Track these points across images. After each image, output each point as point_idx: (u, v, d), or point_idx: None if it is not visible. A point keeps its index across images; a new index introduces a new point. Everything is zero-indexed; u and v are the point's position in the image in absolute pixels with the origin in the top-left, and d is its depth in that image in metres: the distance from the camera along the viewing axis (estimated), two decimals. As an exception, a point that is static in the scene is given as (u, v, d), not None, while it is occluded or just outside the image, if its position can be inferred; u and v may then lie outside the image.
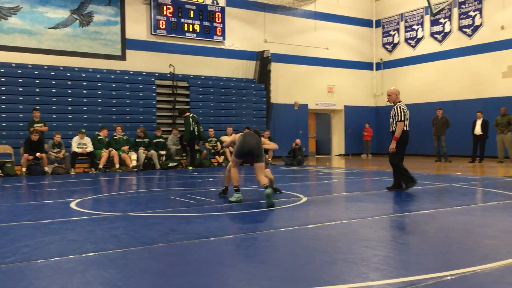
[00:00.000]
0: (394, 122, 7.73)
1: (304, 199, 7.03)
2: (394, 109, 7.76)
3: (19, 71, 14.45)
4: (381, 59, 22.53)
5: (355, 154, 22.02)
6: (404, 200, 6.95)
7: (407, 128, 7.74)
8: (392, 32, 22.09)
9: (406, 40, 21.41)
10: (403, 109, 7.70)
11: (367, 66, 22.66)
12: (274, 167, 14.86)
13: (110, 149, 13.36)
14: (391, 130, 7.88)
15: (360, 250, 3.94)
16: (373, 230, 4.83)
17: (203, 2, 18.04)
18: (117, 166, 13.21)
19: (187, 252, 3.97)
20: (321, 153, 22.69)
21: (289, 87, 20.10)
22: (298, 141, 16.29)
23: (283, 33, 20.11)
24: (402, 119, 7.63)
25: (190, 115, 14.03)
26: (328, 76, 21.37)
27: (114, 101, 15.71)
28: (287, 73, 20.04)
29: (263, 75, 18.98)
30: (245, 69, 19.24)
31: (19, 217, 5.78)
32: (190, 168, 13.98)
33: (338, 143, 22.42)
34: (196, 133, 13.88)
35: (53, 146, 12.91)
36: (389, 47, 22.25)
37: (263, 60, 19.04)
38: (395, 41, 21.92)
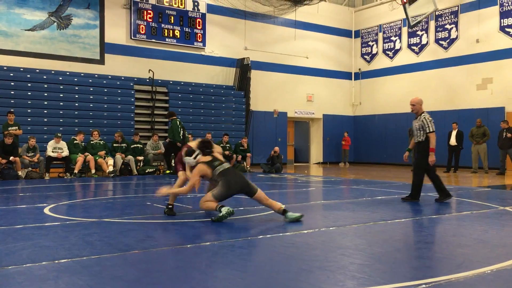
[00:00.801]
0: (421, 133, 7.58)
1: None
2: (422, 120, 7.59)
3: (-6, 73, 14.15)
4: (359, 69, 22.82)
5: (333, 162, 22.19)
6: (380, 208, 7.02)
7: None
8: (370, 43, 22.42)
9: (384, 51, 21.75)
10: (430, 119, 7.58)
11: (346, 75, 22.92)
12: (252, 174, 14.85)
13: (86, 154, 13.17)
14: (417, 141, 7.68)
15: (337, 258, 3.95)
16: (350, 238, 4.86)
17: (184, 8, 18.01)
18: (93, 171, 13.02)
19: (163, 259, 3.92)
20: (299, 161, 22.80)
21: (268, 94, 20.18)
22: (276, 148, 16.35)
23: (264, 41, 20.21)
24: (434, 129, 7.51)
25: (177, 119, 13.98)
26: (308, 84, 21.53)
27: (91, 105, 15.50)
28: (267, 80, 20.12)
29: (243, 82, 19.01)
30: (225, 76, 19.24)
31: (-10, 222, 5.62)
32: (168, 171, 13.94)
33: (316, 151, 22.56)
34: (181, 137, 13.79)
35: (27, 150, 12.66)
36: (367, 57, 22.56)
37: (243, 67, 19.08)
38: (374, 51, 22.24)
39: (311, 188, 10.77)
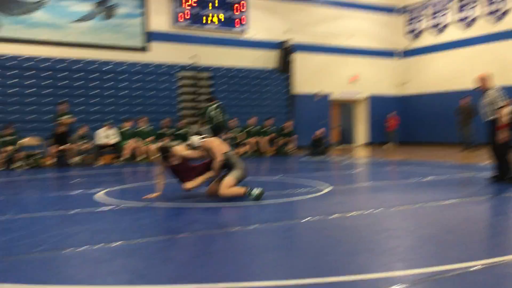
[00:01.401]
0: (491, 109, 7.20)
1: (327, 189, 7.00)
2: (489, 96, 7.24)
3: (46, 65, 14.71)
4: (405, 47, 22.15)
5: (380, 143, 21.79)
6: (430, 190, 6.86)
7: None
8: (416, 19, 21.67)
9: (430, 27, 20.98)
10: (499, 94, 7.19)
11: (391, 54, 22.31)
12: (297, 157, 14.83)
13: (134, 140, 13.53)
14: (488, 119, 7.30)
15: (384, 241, 3.91)
16: (398, 220, 4.79)
17: (224, -8, 17.98)
18: (141, 157, 13.38)
19: (211, 242, 4.00)
20: (345, 143, 22.52)
21: (311, 77, 19.96)
22: (320, 131, 16.19)
23: (306, 22, 19.94)
24: (504, 104, 7.10)
25: (217, 103, 14.08)
26: (352, 65, 21.13)
27: (137, 92, 15.87)
28: (310, 62, 19.89)
29: (285, 65, 18.88)
30: (266, 59, 19.17)
31: (48, 207, 5.92)
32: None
33: (362, 133, 22.21)
34: (221, 121, 13.87)
35: (79, 138, 13.14)
36: (413, 34, 21.84)
37: (285, 50, 18.93)
38: (420, 28, 21.50)
39: (357, 170, 10.64)
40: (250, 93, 17.92)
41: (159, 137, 14.19)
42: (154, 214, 5.32)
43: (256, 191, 5.86)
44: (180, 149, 6.42)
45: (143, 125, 14.07)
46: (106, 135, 13.21)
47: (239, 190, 5.97)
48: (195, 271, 3.17)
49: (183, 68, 17.13)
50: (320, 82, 20.26)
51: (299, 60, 19.23)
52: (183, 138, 14.56)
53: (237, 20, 18.29)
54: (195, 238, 4.12)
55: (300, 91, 19.49)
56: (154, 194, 6.25)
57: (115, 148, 13.32)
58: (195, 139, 6.26)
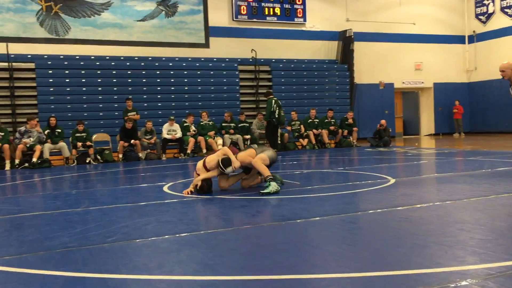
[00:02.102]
0: None
1: (392, 180, 6.82)
2: None
3: (113, 63, 15.37)
4: (474, 32, 21.06)
5: (446, 133, 20.93)
6: (502, 181, 6.50)
7: None
8: (486, 2, 20.52)
9: (502, 9, 19.79)
10: None
11: (458, 39, 21.30)
12: (360, 149, 14.55)
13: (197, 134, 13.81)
14: None
15: (454, 233, 3.75)
16: (469, 212, 4.58)
17: (283, -16, 17.92)
18: (204, 151, 13.67)
19: (274, 234, 4.02)
20: (409, 133, 21.83)
21: (373, 66, 19.49)
22: (383, 121, 15.79)
23: (366, 11, 19.46)
24: None
25: (273, 98, 14.13)
26: (415, 52, 20.40)
27: (199, 88, 16.21)
28: (371, 51, 19.41)
29: (346, 55, 18.56)
30: (327, 50, 18.92)
31: (118, 199, 6.19)
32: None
33: (427, 122, 21.43)
34: (277, 116, 13.87)
35: (145, 133, 13.62)
36: (482, 17, 20.71)
37: (346, 40, 18.60)
38: (490, 11, 20.35)
39: (422, 161, 10.28)
40: (310, 85, 17.79)
41: (220, 130, 14.43)
42: (218, 206, 5.42)
43: (274, 188, 5.95)
44: (212, 173, 6.41)
45: (205, 119, 14.35)
46: (170, 130, 13.60)
47: (266, 171, 6.17)
48: (260, 262, 3.19)
49: (243, 61, 17.28)
50: (382, 71, 19.74)
51: (360, 50, 18.82)
52: (245, 131, 14.72)
53: (298, 11, 18.17)
54: (259, 230, 4.16)
55: (362, 81, 19.09)
56: (189, 190, 6.35)
57: (179, 143, 13.68)
58: (229, 170, 6.30)
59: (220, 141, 13.90)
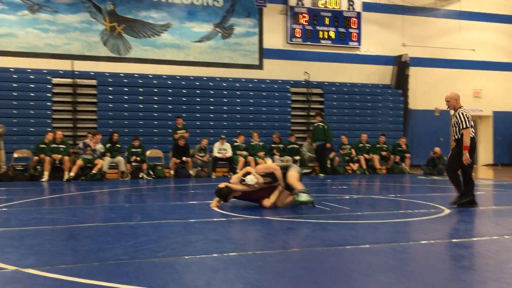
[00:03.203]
0: (458, 130, 7.00)
1: (447, 211, 6.58)
2: (457, 116, 7.02)
3: (169, 82, 15.86)
4: (538, 59, 20.18)
5: (506, 164, 19.99)
6: None
7: (473, 134, 7.02)
8: (552, 28, 19.65)
9: None
10: (466, 115, 6.96)
11: (520, 67, 20.45)
12: (412, 176, 14.16)
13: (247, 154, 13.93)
14: (454, 138, 7.12)
15: (513, 271, 3.57)
16: (529, 249, 4.34)
17: (338, 8, 17.96)
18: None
19: (323, 259, 3.97)
20: (465, 162, 21.00)
21: (428, 92, 19.01)
22: (437, 149, 15.31)
23: (423, 36, 19.11)
24: (468, 125, 6.89)
25: (322, 121, 14.13)
26: (474, 79, 19.76)
27: (251, 108, 16.40)
28: (427, 77, 18.98)
29: (401, 80, 18.24)
30: (381, 75, 18.68)
31: (169, 215, 6.33)
32: (321, 175, 14.00)
33: (485, 151, 20.56)
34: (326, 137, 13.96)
35: (199, 150, 13.85)
36: (548, 45, 19.82)
37: (401, 65, 18.31)
38: (556, 38, 19.45)
39: (479, 192, 9.86)
40: (363, 109, 17.58)
41: (270, 151, 14.48)
42: (266, 227, 5.42)
43: (307, 197, 6.50)
44: (236, 185, 6.87)
45: (256, 140, 14.46)
46: (221, 149, 13.79)
47: (301, 185, 6.71)
48: (307, 287, 3.16)
49: (296, 84, 17.35)
50: (438, 97, 19.05)
51: (416, 75, 18.44)
52: (294, 152, 14.70)
53: (352, 35, 18.13)
54: (307, 254, 4.12)
55: (416, 107, 18.66)
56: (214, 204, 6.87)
57: (230, 162, 13.82)
58: (249, 179, 6.69)
59: (269, 161, 13.93)
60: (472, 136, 6.93)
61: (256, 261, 3.84)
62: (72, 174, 12.12)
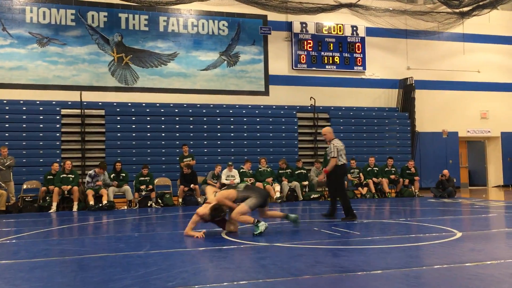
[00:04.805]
0: (329, 157, 8.67)
1: (459, 234, 6.50)
2: (330, 147, 8.66)
3: (176, 110, 16.00)
4: (543, 79, 20.18)
5: (516, 185, 19.79)
6: None
7: (343, 162, 8.65)
8: (556, 48, 19.73)
9: None
10: (336, 146, 8.58)
11: (527, 87, 20.46)
12: (422, 199, 14.03)
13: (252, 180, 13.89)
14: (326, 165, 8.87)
15: (530, 295, 3.50)
16: (545, 272, 4.26)
17: (342, 34, 18.19)
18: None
19: (335, 286, 3.92)
20: (475, 184, 20.84)
21: (435, 114, 19.03)
22: (446, 172, 15.19)
23: (427, 59, 19.25)
24: (335, 155, 8.53)
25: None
26: (481, 101, 19.77)
27: (258, 134, 16.46)
28: (433, 100, 19.03)
29: (407, 103, 18.30)
30: (387, 98, 18.76)
31: (178, 243, 6.29)
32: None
33: (495, 173, 20.40)
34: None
35: (212, 176, 13.82)
36: (553, 65, 19.86)
37: (407, 88, 18.40)
38: (561, 58, 19.50)
39: (491, 214, 9.74)
40: (370, 133, 17.60)
41: (278, 177, 14.44)
42: (276, 254, 5.37)
43: (262, 227, 6.56)
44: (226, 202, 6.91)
45: (264, 166, 14.44)
46: (229, 176, 13.77)
47: (249, 219, 6.73)
48: (320, 315, 3.11)
49: (302, 109, 17.44)
50: (445, 119, 19.22)
51: (422, 98, 18.51)
52: (302, 178, 14.64)
53: (357, 59, 18.30)
54: (318, 280, 4.07)
55: (424, 129, 18.65)
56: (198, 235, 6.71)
57: (237, 188, 13.76)
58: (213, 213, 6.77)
59: (277, 187, 13.89)
60: (341, 164, 8.59)
61: (267, 289, 3.80)
62: (104, 201, 12.09)
